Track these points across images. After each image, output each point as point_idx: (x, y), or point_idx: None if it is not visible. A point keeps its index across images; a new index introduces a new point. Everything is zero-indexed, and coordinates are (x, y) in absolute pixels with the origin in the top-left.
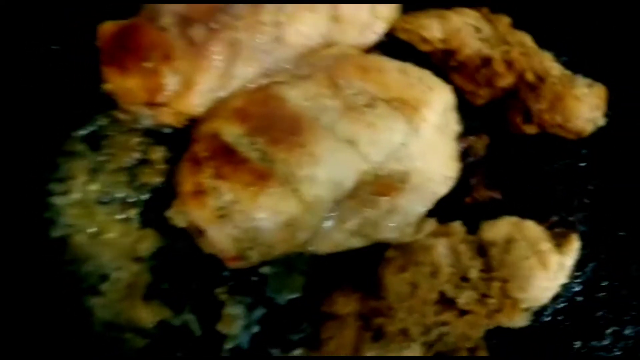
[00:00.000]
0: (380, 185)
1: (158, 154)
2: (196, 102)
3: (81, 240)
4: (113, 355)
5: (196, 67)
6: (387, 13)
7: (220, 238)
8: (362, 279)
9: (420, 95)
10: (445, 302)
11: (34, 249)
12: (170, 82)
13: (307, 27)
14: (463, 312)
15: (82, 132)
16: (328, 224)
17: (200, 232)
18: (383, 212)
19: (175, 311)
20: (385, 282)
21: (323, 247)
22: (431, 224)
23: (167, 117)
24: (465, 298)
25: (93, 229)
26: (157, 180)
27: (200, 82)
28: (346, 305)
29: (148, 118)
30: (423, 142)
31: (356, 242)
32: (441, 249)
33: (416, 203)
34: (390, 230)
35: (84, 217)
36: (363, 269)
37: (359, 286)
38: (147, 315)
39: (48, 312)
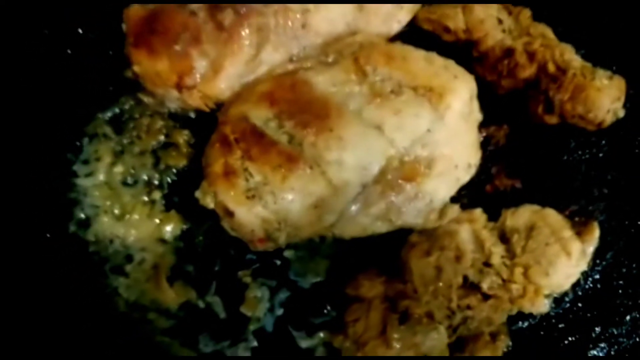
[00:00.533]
0: (406, 171)
1: (183, 137)
2: (224, 85)
3: (106, 221)
4: (137, 336)
5: (225, 51)
6: (411, 3)
7: (249, 219)
8: (385, 263)
9: (446, 83)
10: (469, 286)
11: (59, 229)
12: (199, 65)
13: (333, 14)
14: (486, 297)
15: (107, 114)
16: (354, 208)
17: (228, 213)
18: (408, 198)
19: (199, 293)
20: (411, 265)
21: (348, 231)
22: (454, 210)
23: (194, 101)
24: (488, 283)
25: (118, 211)
26: (181, 163)
27: (228, 66)
28: (372, 288)
29: (174, 101)
30: (448, 129)
31: (381, 227)
32: (465, 234)
33: (441, 189)
34: (415, 215)
35: (108, 199)
36: (385, 253)
37: (382, 270)
38: (172, 297)
39: (73, 292)
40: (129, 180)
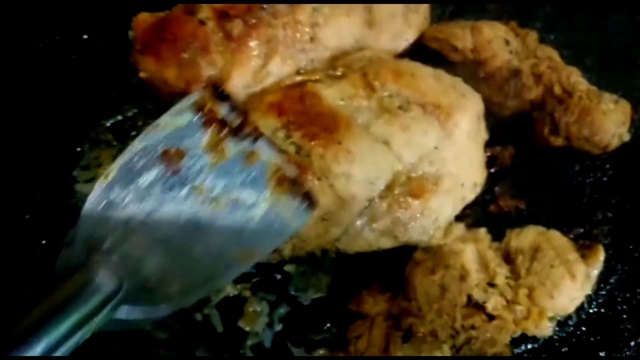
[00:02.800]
0: (413, 187)
1: None
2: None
3: None
4: (133, 348)
5: (233, 61)
6: (419, 22)
7: None
8: (388, 280)
9: (454, 101)
10: (474, 306)
11: (57, 235)
12: (207, 74)
13: (342, 29)
14: (491, 318)
15: (110, 121)
16: (359, 222)
17: None
18: (414, 214)
19: (197, 305)
20: (415, 283)
21: (353, 245)
22: (459, 228)
23: None
24: (493, 303)
25: None
26: None
27: (235, 76)
28: (375, 304)
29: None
30: (455, 146)
31: (386, 243)
32: (470, 253)
33: (447, 207)
34: (420, 232)
35: None
36: (388, 269)
37: (385, 286)
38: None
39: None
40: None
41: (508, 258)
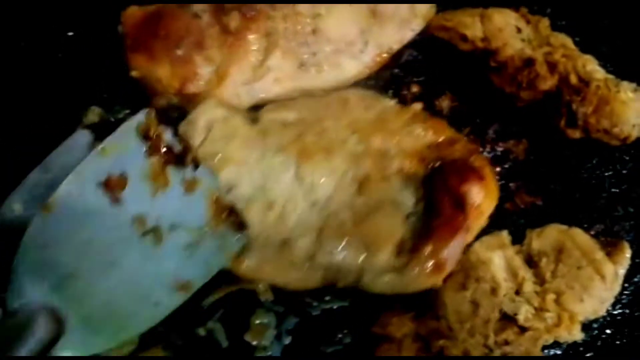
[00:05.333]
0: None
1: None
2: (229, 93)
3: None
4: None
5: (230, 56)
6: (425, 10)
7: None
8: (409, 296)
9: None
10: (504, 318)
11: None
12: (203, 71)
13: (345, 20)
14: (523, 329)
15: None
16: None
17: None
18: None
19: (200, 320)
20: (445, 300)
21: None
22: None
23: None
24: (524, 313)
25: None
26: None
27: (234, 72)
28: (401, 326)
29: (176, 110)
30: None
31: None
32: (498, 261)
33: None
34: None
35: None
36: None
37: (407, 304)
38: None
39: None
40: None
41: (531, 261)
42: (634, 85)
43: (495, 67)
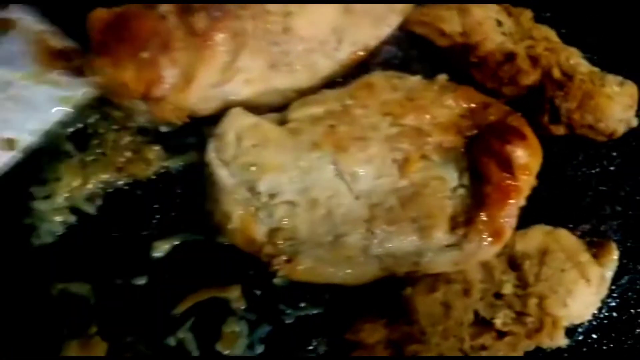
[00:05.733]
0: None
1: (153, 153)
2: (197, 96)
3: None
4: None
5: (197, 58)
6: (402, 5)
7: None
8: (382, 302)
9: None
10: (482, 323)
11: (12, 259)
12: (169, 74)
13: (318, 17)
14: (501, 334)
15: (69, 129)
16: None
17: None
18: None
19: (169, 329)
20: (415, 303)
21: None
22: None
23: (165, 113)
24: (502, 318)
25: None
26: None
27: (201, 74)
28: (374, 332)
29: (143, 114)
30: None
31: None
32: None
33: None
34: None
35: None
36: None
37: (380, 310)
38: None
39: (29, 326)
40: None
41: (514, 264)
42: (619, 78)
43: (476, 63)
